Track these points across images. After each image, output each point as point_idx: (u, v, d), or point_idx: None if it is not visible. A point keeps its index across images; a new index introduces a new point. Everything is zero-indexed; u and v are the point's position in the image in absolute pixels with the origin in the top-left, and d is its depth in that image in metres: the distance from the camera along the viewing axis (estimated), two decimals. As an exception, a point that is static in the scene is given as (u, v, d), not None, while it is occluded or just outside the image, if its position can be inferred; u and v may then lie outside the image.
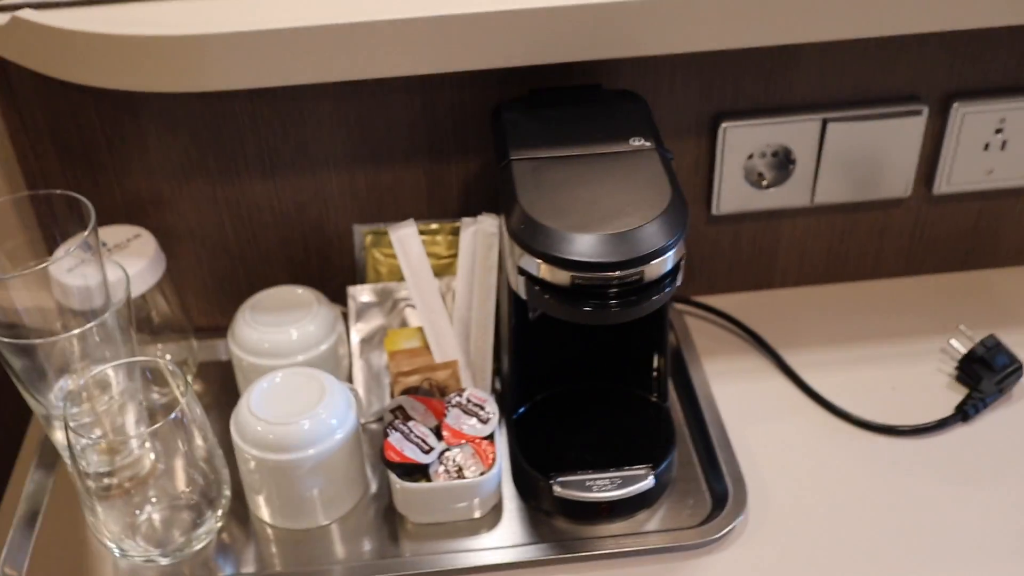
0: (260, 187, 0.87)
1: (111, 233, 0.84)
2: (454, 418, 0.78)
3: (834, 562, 0.74)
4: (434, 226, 0.88)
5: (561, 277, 0.66)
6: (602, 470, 0.76)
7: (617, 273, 0.65)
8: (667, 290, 0.68)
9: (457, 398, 0.79)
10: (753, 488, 0.78)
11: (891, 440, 0.83)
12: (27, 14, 0.75)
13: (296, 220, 0.89)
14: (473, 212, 0.88)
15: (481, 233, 0.81)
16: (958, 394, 0.86)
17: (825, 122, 0.87)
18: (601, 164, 0.71)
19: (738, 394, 0.87)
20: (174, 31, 0.72)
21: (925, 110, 0.87)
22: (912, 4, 0.76)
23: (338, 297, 0.88)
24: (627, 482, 0.75)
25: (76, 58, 0.76)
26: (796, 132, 0.87)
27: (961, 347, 0.87)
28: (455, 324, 0.83)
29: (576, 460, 0.77)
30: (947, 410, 0.84)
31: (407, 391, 0.79)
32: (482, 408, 0.78)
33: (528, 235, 0.66)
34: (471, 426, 0.77)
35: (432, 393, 0.80)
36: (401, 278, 0.88)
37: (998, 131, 0.89)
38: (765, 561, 0.74)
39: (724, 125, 0.87)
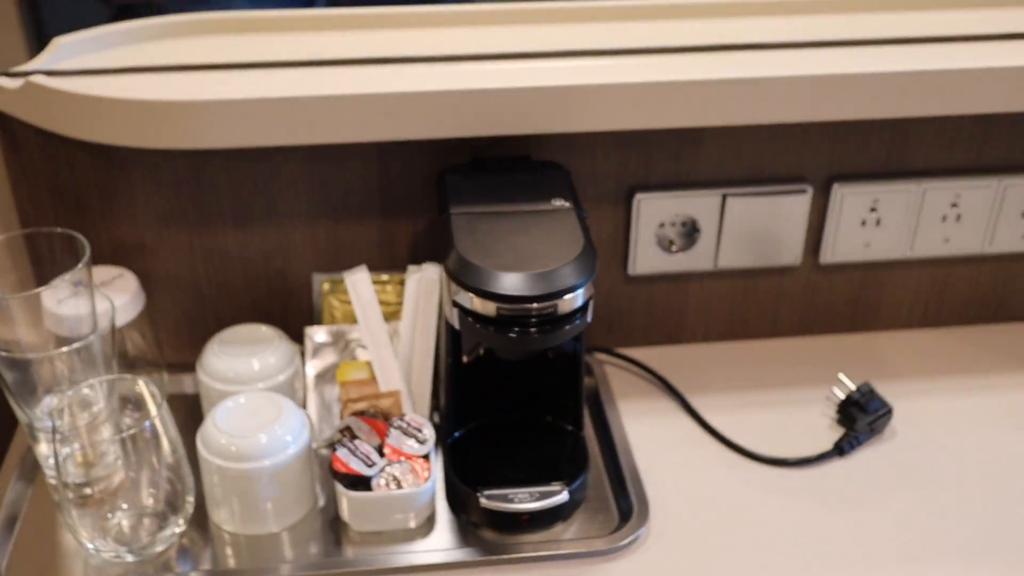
0: (232, 237, 0.98)
1: (97, 272, 0.95)
2: (395, 438, 0.89)
3: (724, 569, 0.85)
4: (384, 277, 1.00)
5: (489, 308, 0.78)
6: (523, 486, 0.87)
7: (535, 305, 0.77)
8: (577, 322, 0.80)
9: (399, 421, 0.90)
10: (656, 506, 0.89)
11: (779, 471, 0.95)
12: (38, 79, 0.88)
13: (262, 268, 1.01)
14: (421, 262, 1.01)
15: (424, 280, 0.93)
16: (837, 433, 0.98)
17: (725, 197, 1.01)
18: (526, 219, 0.84)
19: (648, 430, 0.98)
20: (163, 97, 0.85)
21: (810, 189, 1.02)
22: (794, 97, 0.91)
23: (296, 337, 0.99)
24: (545, 496, 0.86)
25: (78, 117, 0.88)
26: (700, 205, 1.01)
27: (840, 393, 1.00)
28: (399, 359, 0.94)
29: (501, 477, 0.88)
30: (827, 446, 0.97)
31: (355, 414, 0.90)
32: (420, 431, 0.89)
33: (462, 273, 0.79)
34: (410, 446, 0.88)
35: (377, 416, 0.91)
36: (353, 321, 1.00)
37: (872, 209, 1.04)
38: (664, 567, 0.85)
39: (638, 196, 1.00)
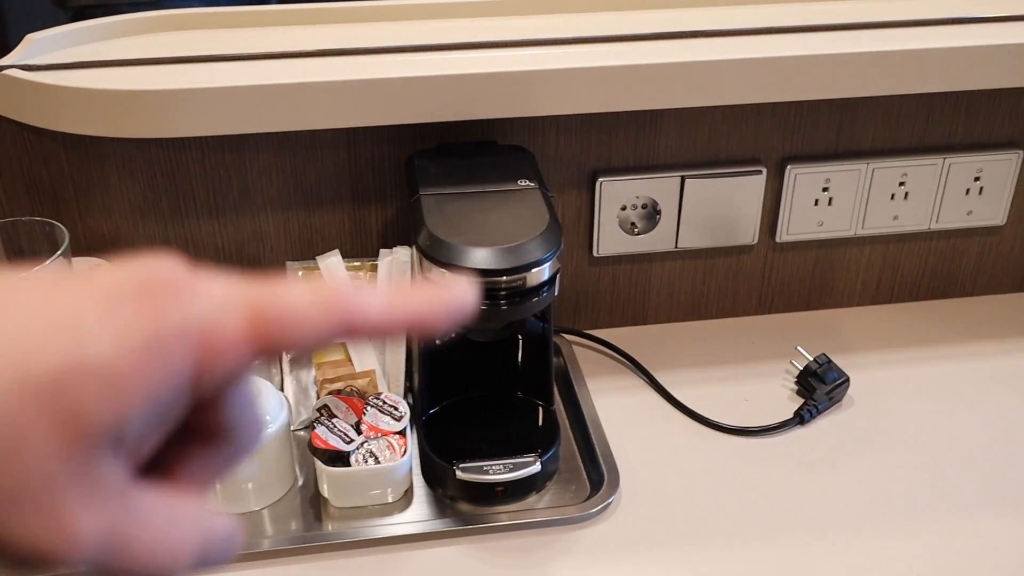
0: (206, 227, 1.01)
1: (76, 263, 0.97)
2: (372, 416, 0.91)
3: (692, 534, 0.88)
4: (356, 263, 1.03)
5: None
6: (497, 458, 0.90)
7: (504, 279, 0.81)
8: (545, 295, 0.83)
9: (375, 400, 0.92)
10: (625, 475, 0.93)
11: (742, 439, 0.99)
12: (13, 72, 0.90)
13: (236, 257, 1.03)
14: (391, 246, 1.04)
15: (396, 262, 0.96)
16: (797, 403, 1.02)
17: (683, 179, 1.05)
18: (494, 199, 0.88)
19: (616, 406, 1.02)
20: (136, 87, 0.88)
21: (764, 171, 1.06)
22: (747, 78, 0.95)
23: (271, 323, 1.02)
24: (518, 467, 0.89)
25: (53, 109, 0.90)
26: (660, 187, 1.05)
27: (799, 364, 1.04)
28: (372, 340, 0.97)
29: (475, 451, 0.91)
30: (788, 415, 1.00)
31: (332, 393, 0.93)
32: (396, 408, 0.92)
33: (433, 250, 0.82)
34: (386, 423, 0.91)
35: (353, 395, 0.93)
36: (326, 307, 1.02)
37: (824, 189, 1.08)
38: (634, 532, 0.88)
39: (600, 180, 1.04)
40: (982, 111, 1.07)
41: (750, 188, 1.07)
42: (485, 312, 0.82)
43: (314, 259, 1.02)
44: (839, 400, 1.03)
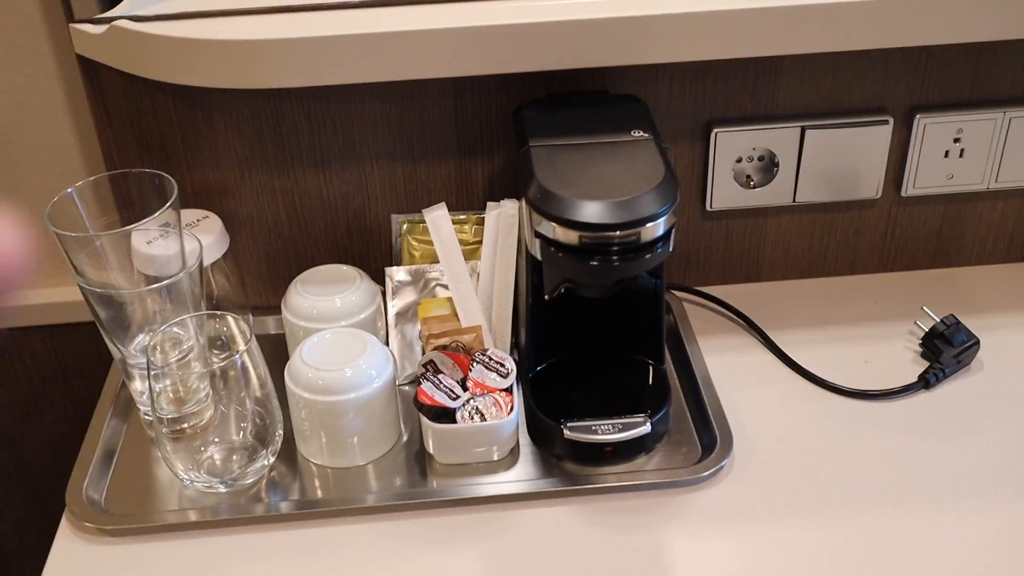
0: (311, 178, 1.00)
1: (183, 215, 0.97)
2: (478, 372, 0.89)
3: (807, 500, 0.85)
4: (462, 216, 1.01)
5: (571, 237, 0.78)
6: (606, 418, 0.87)
7: (618, 233, 0.78)
8: (660, 251, 0.80)
9: (481, 356, 0.91)
10: (739, 438, 0.89)
11: (861, 403, 0.94)
12: (124, 24, 0.90)
13: (342, 209, 1.02)
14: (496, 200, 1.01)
15: (503, 216, 0.93)
16: (921, 366, 0.97)
17: (803, 130, 1.00)
18: (606, 150, 0.84)
19: (729, 365, 0.98)
20: (242, 36, 0.86)
21: (891, 121, 1.00)
22: (876, 23, 0.89)
23: (377, 277, 1.01)
24: (628, 427, 0.87)
25: (163, 60, 0.89)
26: (779, 138, 1.00)
27: (924, 326, 0.99)
28: (479, 295, 0.95)
29: (584, 409, 0.88)
30: (912, 379, 0.95)
31: (438, 348, 0.91)
32: (502, 365, 0.90)
33: (544, 203, 0.79)
34: (493, 379, 0.89)
35: (459, 351, 0.92)
36: (432, 261, 1.00)
37: (956, 140, 1.02)
38: (747, 497, 0.85)
39: (716, 131, 0.99)
40: None
41: (875, 139, 1.01)
42: (596, 268, 0.79)
43: (420, 212, 1.00)
44: (967, 364, 0.97)
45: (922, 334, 0.99)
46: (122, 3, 0.95)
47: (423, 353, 0.94)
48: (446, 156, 1.00)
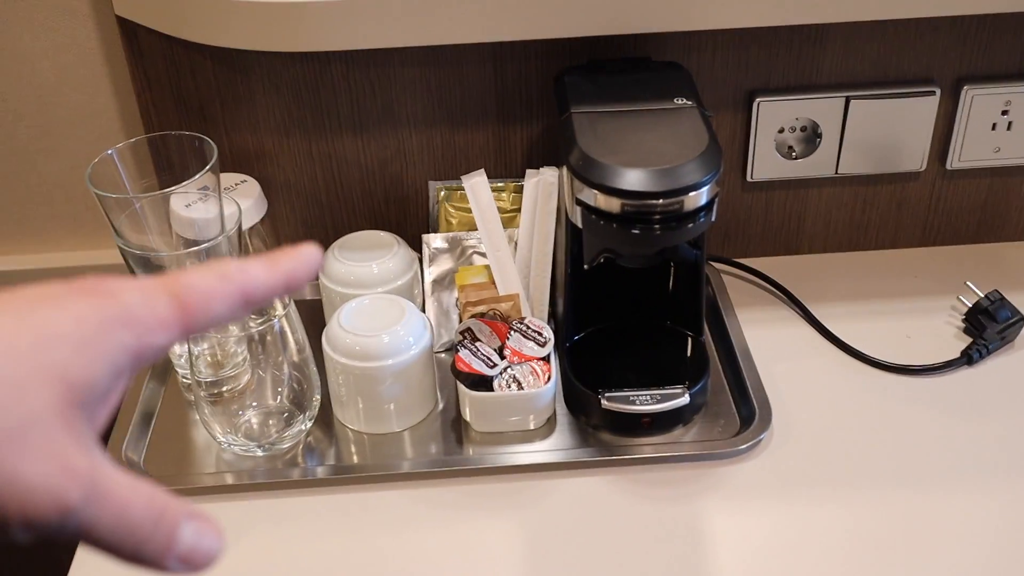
0: (349, 143, 0.99)
1: (221, 179, 0.97)
2: (516, 340, 0.89)
3: (845, 475, 0.84)
4: (500, 184, 1.00)
5: (613, 205, 0.77)
6: (644, 388, 0.87)
7: (660, 202, 0.77)
8: (702, 220, 0.79)
9: (519, 324, 0.90)
10: (777, 411, 0.88)
11: (903, 378, 0.93)
12: (162, -17, 0.89)
13: (379, 175, 1.01)
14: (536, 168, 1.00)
15: (543, 183, 0.93)
16: (964, 342, 0.96)
17: (848, 100, 0.98)
18: (649, 117, 0.83)
19: (767, 338, 0.97)
20: None
21: (938, 92, 0.98)
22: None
23: (414, 244, 1.00)
24: (665, 398, 0.86)
25: (203, 22, 0.89)
26: (822, 108, 0.99)
27: (968, 301, 0.97)
28: (517, 263, 0.94)
29: (621, 379, 0.88)
30: (954, 355, 0.94)
31: (475, 316, 0.91)
32: (540, 334, 0.90)
33: (586, 170, 0.78)
34: (530, 348, 0.89)
35: (496, 319, 0.91)
36: (470, 229, 1.00)
37: (1004, 112, 1.00)
38: (786, 471, 0.84)
39: (758, 100, 0.98)
40: None
41: (921, 110, 0.99)
42: (638, 236, 0.78)
43: (458, 179, 0.99)
44: (1011, 340, 0.96)
45: (965, 309, 0.97)
46: (162, -36, 0.95)
47: (460, 320, 0.93)
48: (484, 122, 0.99)
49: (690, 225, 0.79)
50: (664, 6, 0.87)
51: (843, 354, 0.96)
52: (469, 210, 1.00)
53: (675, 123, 0.82)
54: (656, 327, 0.95)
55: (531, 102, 0.98)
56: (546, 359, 0.89)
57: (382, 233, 0.98)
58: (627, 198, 0.77)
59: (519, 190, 0.99)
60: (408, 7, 0.86)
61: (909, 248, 1.09)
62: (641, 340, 0.94)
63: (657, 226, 0.78)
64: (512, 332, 0.90)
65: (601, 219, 0.79)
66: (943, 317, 1.00)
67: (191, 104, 0.98)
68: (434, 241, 1.00)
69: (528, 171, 0.94)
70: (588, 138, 0.80)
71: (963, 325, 0.98)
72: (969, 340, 0.96)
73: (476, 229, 0.98)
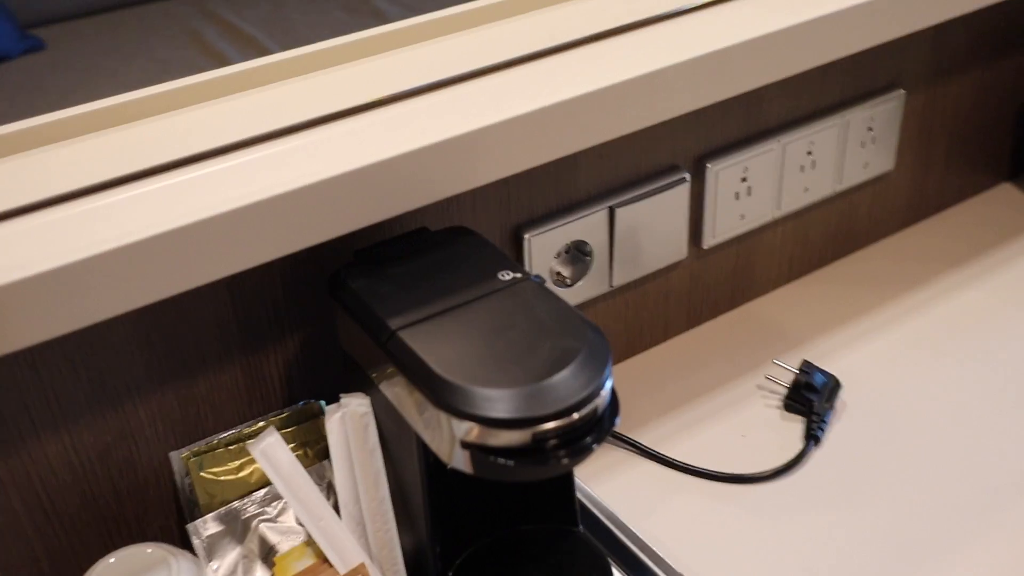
0: (53, 446, 0.71)
1: None
2: (394, 628, 0.68)
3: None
4: (260, 423, 0.78)
5: (522, 438, 0.60)
6: (564, 620, 0.71)
7: (576, 416, 0.61)
8: (616, 417, 0.64)
9: (386, 605, 0.69)
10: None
11: (772, 484, 0.86)
12: None
13: (101, 470, 0.74)
14: (299, 398, 0.80)
15: (350, 416, 0.72)
16: (793, 420, 0.91)
17: (611, 209, 0.89)
18: (488, 307, 0.67)
19: (617, 491, 0.85)
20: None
21: (687, 176, 0.92)
22: (659, 101, 0.80)
23: (176, 542, 0.74)
24: (595, 622, 0.71)
25: None
26: (589, 226, 0.88)
27: (781, 380, 0.93)
28: (345, 521, 0.73)
29: (533, 621, 0.71)
30: (797, 441, 0.89)
31: (332, 619, 0.69)
32: (414, 605, 0.70)
33: (473, 406, 0.60)
34: (414, 629, 0.69)
35: (361, 610, 0.70)
36: (241, 495, 0.76)
37: (743, 179, 0.96)
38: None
39: (527, 236, 0.85)
40: (866, 61, 1.00)
41: (676, 198, 0.92)
42: (567, 463, 0.62)
43: (204, 438, 0.76)
44: (834, 403, 0.92)
45: (780, 388, 0.93)
46: None
47: (297, 625, 0.70)
48: (227, 358, 0.76)
49: (607, 424, 0.64)
50: (414, 181, 0.71)
51: (701, 480, 0.86)
52: (232, 472, 0.76)
53: (522, 305, 0.67)
54: (525, 530, 0.78)
55: (280, 318, 0.77)
56: (438, 634, 0.69)
57: (147, 549, 0.71)
58: (544, 422, 0.60)
59: (287, 423, 0.78)
60: (113, 275, 0.61)
61: (678, 335, 1.02)
62: (513, 553, 0.77)
63: (586, 438, 0.62)
64: (388, 619, 0.69)
65: (502, 457, 0.61)
66: (759, 402, 0.94)
67: None
68: (205, 528, 0.75)
69: (327, 408, 0.73)
70: (444, 363, 0.62)
71: (781, 404, 0.93)
72: (794, 417, 0.91)
73: (249, 492, 0.75)
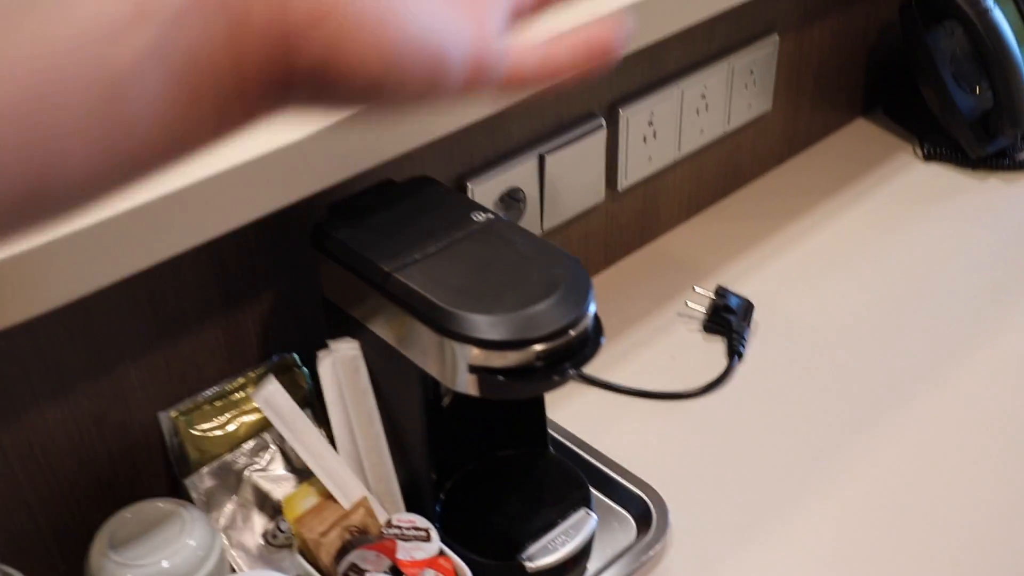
0: (52, 413, 0.72)
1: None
2: (404, 551, 0.74)
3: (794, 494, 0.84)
4: (240, 380, 0.81)
5: (525, 357, 0.67)
6: (550, 528, 0.77)
7: (572, 333, 0.68)
8: (601, 336, 0.71)
9: (392, 530, 0.74)
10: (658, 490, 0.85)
11: (707, 398, 0.95)
12: None
13: (96, 435, 0.75)
14: (273, 352, 0.83)
15: (341, 361, 0.76)
16: (716, 343, 1.00)
17: (541, 157, 0.95)
18: (469, 245, 0.72)
19: (573, 416, 0.92)
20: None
21: (603, 121, 1.00)
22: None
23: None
24: (577, 528, 0.78)
25: None
26: (523, 174, 0.95)
27: (699, 306, 1.02)
28: (344, 460, 0.77)
29: (523, 532, 0.77)
30: (721, 359, 0.98)
31: (345, 550, 0.73)
32: (417, 528, 0.75)
33: (479, 331, 0.66)
34: (421, 549, 0.74)
35: (374, 538, 0.74)
36: (229, 448, 0.80)
37: (650, 123, 1.05)
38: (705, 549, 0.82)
39: (469, 185, 0.91)
40: (746, 11, 1.09)
41: (594, 145, 1.00)
42: (557, 379, 0.68)
43: (191, 395, 0.79)
44: (749, 322, 1.02)
45: (698, 314, 1.02)
46: None
47: (313, 550, 0.74)
48: (209, 317, 0.79)
49: (601, 339, 0.71)
50: (389, 133, 0.76)
51: (643, 400, 0.95)
52: (220, 427, 0.80)
53: (502, 243, 0.73)
54: (504, 459, 0.84)
55: (254, 273, 0.80)
56: (442, 553, 0.75)
57: (158, 503, 0.74)
58: (546, 341, 0.66)
59: (261, 378, 0.81)
60: (109, 241, 0.63)
61: (596, 274, 1.10)
62: (503, 479, 0.83)
63: (575, 358, 0.69)
64: (398, 543, 0.74)
65: (508, 376, 0.68)
66: (682, 326, 1.03)
67: None
68: (201, 483, 0.78)
69: (319, 354, 0.77)
70: (447, 295, 0.68)
71: (701, 328, 1.02)
72: (718, 338, 1.01)
73: (235, 447, 0.79)
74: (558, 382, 0.69)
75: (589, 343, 0.70)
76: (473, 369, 0.68)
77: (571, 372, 0.68)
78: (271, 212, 0.73)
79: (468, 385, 0.68)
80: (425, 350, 0.69)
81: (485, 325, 0.66)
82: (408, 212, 0.76)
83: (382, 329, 0.73)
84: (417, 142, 0.79)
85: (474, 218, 0.75)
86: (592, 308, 0.69)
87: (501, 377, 0.68)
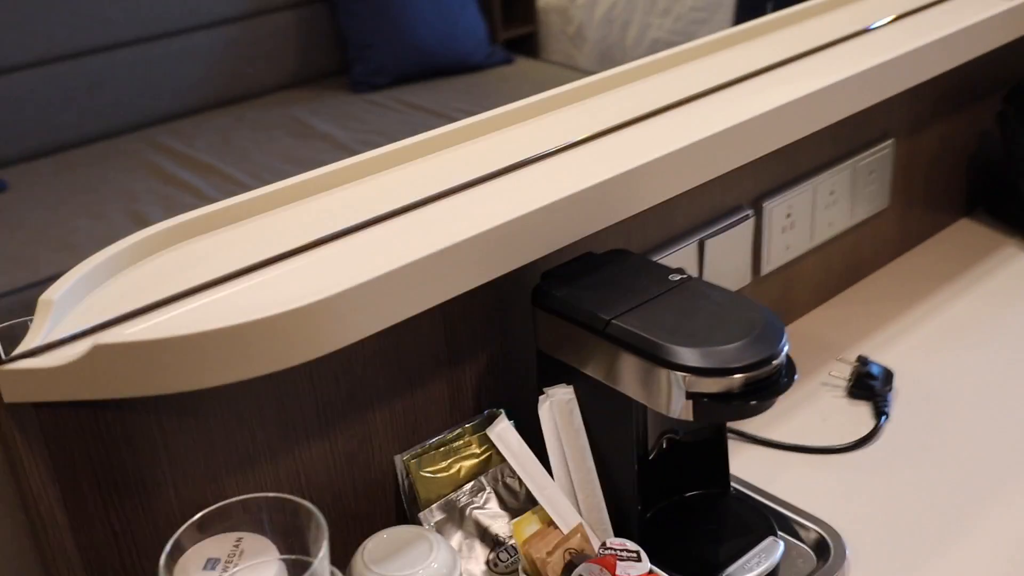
0: (317, 449, 0.85)
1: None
2: (622, 568, 0.83)
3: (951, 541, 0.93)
4: (457, 430, 0.93)
5: (734, 384, 0.78)
6: (743, 553, 0.87)
7: (774, 364, 0.79)
8: (795, 373, 0.83)
9: (609, 551, 0.84)
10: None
11: (859, 453, 1.04)
12: (107, 336, 0.69)
13: (347, 470, 0.87)
14: (487, 405, 0.95)
15: (557, 403, 0.88)
16: (861, 407, 1.11)
17: (702, 241, 1.08)
18: (673, 298, 0.85)
19: (738, 469, 1.02)
20: (241, 319, 0.70)
21: (751, 212, 1.13)
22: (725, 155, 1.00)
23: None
24: (768, 553, 0.87)
25: (158, 368, 0.70)
26: (682, 257, 1.08)
27: (844, 374, 1.13)
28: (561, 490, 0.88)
29: (717, 557, 0.87)
30: (868, 420, 1.08)
31: (572, 564, 0.83)
32: (628, 550, 0.85)
33: (695, 361, 0.78)
34: (635, 568, 0.84)
35: (592, 555, 0.84)
36: (453, 488, 0.91)
37: (788, 215, 1.18)
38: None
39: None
40: (865, 117, 1.23)
41: (742, 234, 1.13)
42: (757, 405, 0.80)
43: (420, 443, 0.90)
44: (891, 387, 1.12)
45: (841, 381, 1.13)
46: (34, 328, 0.73)
47: (540, 568, 0.84)
48: (438, 372, 0.91)
49: (790, 371, 0.82)
50: (611, 200, 0.89)
51: (800, 455, 1.05)
52: (443, 470, 0.91)
53: (700, 295, 0.85)
54: (691, 495, 0.95)
55: (474, 336, 0.93)
56: (652, 572, 0.84)
57: (408, 529, 0.85)
58: (753, 369, 0.78)
59: (476, 431, 0.93)
60: (365, 296, 0.75)
61: (742, 353, 1.22)
62: (688, 510, 0.93)
63: (780, 383, 0.80)
64: (618, 562, 0.84)
65: (719, 401, 0.79)
66: (827, 394, 1.13)
67: (127, 474, 0.76)
68: (432, 516, 0.89)
69: (540, 399, 0.89)
70: (664, 334, 0.80)
71: (844, 394, 1.13)
72: (862, 403, 1.11)
73: (459, 486, 0.90)
74: (765, 405, 0.80)
75: (783, 376, 0.81)
76: (689, 395, 0.79)
77: (771, 399, 0.80)
78: (492, 279, 0.86)
79: (683, 410, 0.80)
80: (643, 384, 0.81)
81: (699, 356, 0.78)
82: (613, 275, 0.89)
83: (598, 371, 0.85)
84: (611, 220, 0.92)
85: (671, 278, 0.88)
86: (786, 346, 0.81)
87: (709, 401, 0.79)
